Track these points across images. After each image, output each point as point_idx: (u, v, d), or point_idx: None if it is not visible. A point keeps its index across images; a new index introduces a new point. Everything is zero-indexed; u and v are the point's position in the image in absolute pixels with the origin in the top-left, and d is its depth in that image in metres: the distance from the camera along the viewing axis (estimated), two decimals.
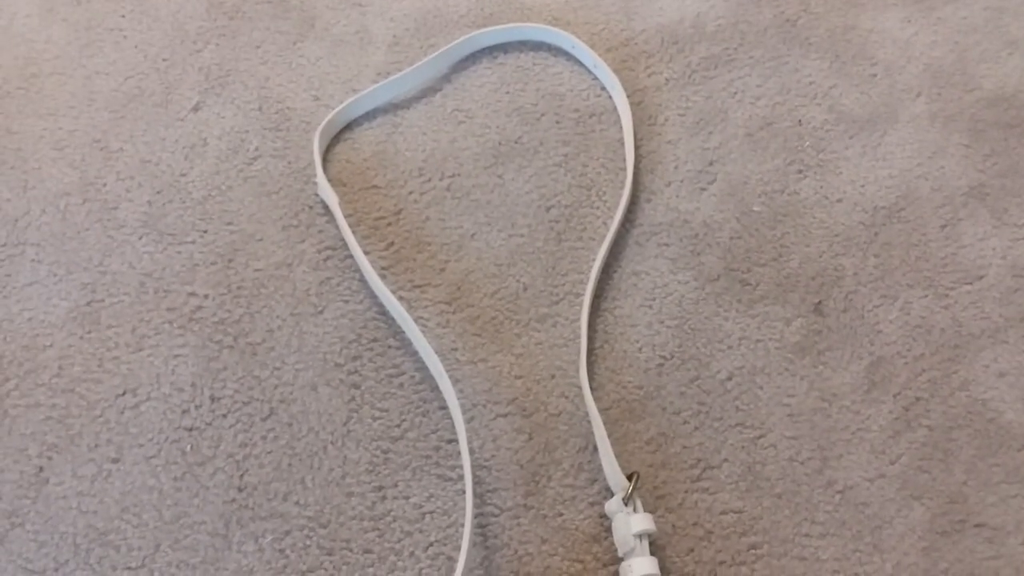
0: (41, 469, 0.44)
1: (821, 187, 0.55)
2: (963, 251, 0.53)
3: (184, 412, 0.46)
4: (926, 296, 0.52)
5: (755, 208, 0.55)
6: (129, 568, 0.42)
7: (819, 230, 0.54)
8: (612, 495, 0.44)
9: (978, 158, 0.56)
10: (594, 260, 0.52)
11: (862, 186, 0.55)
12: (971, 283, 0.52)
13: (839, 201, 0.55)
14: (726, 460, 0.46)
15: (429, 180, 0.55)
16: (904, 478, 0.46)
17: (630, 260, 0.53)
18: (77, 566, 0.42)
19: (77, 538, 0.42)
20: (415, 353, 0.49)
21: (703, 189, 0.55)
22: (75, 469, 0.44)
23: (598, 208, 0.55)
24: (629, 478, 0.43)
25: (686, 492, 0.45)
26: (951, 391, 0.48)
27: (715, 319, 0.51)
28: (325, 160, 0.56)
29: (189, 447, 0.45)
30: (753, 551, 0.44)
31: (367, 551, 0.43)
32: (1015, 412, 0.48)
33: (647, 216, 0.54)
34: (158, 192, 0.54)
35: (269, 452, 0.45)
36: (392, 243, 0.53)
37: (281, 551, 0.43)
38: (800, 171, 0.56)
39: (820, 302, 0.52)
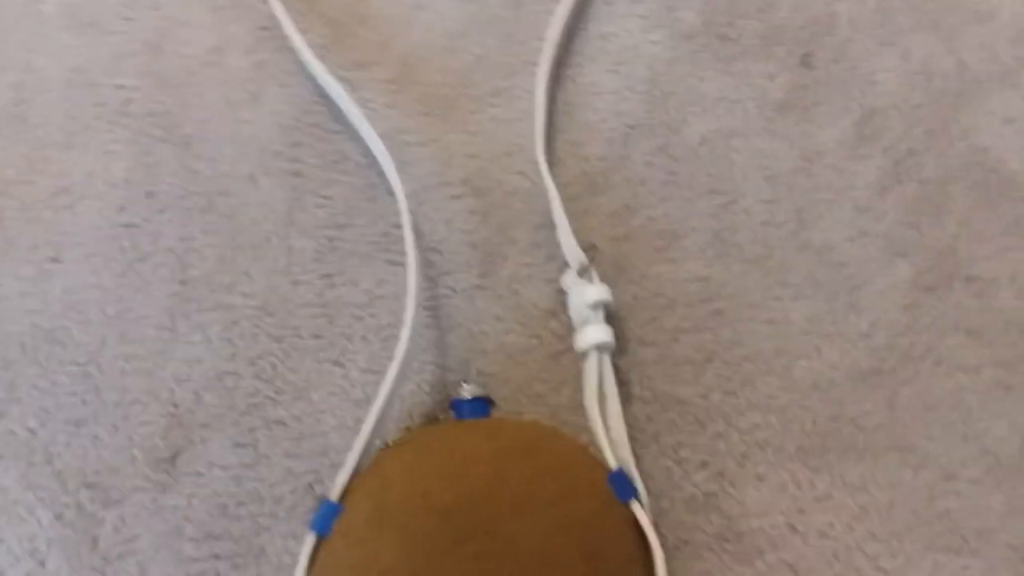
0: None
1: None
2: None
3: (121, 209, 0.44)
4: (929, 40, 0.46)
5: None
6: (77, 364, 0.41)
7: None
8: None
9: None
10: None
11: None
12: (981, 23, 0.46)
13: None
14: (694, 229, 0.43)
15: None
16: (889, 236, 0.42)
17: (596, 21, 0.48)
18: (26, 364, 0.41)
19: (23, 338, 0.42)
20: (360, 138, 0.45)
21: None
22: (15, 270, 0.43)
23: None
24: (586, 251, 0.41)
25: (649, 264, 0.43)
26: (949, 141, 0.44)
27: (689, 80, 0.46)
28: None
29: (128, 244, 0.43)
30: (718, 316, 0.41)
31: (317, 336, 0.42)
32: (1020, 161, 0.43)
33: None
34: None
35: (210, 245, 0.43)
36: (331, 19, 0.48)
37: (229, 340, 0.42)
38: None
39: (808, 53, 0.46)
